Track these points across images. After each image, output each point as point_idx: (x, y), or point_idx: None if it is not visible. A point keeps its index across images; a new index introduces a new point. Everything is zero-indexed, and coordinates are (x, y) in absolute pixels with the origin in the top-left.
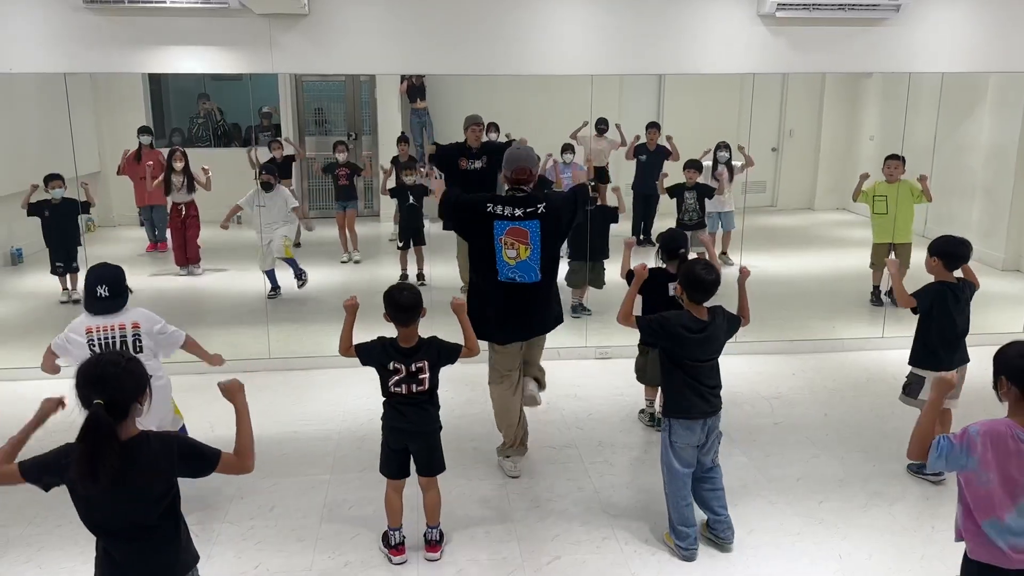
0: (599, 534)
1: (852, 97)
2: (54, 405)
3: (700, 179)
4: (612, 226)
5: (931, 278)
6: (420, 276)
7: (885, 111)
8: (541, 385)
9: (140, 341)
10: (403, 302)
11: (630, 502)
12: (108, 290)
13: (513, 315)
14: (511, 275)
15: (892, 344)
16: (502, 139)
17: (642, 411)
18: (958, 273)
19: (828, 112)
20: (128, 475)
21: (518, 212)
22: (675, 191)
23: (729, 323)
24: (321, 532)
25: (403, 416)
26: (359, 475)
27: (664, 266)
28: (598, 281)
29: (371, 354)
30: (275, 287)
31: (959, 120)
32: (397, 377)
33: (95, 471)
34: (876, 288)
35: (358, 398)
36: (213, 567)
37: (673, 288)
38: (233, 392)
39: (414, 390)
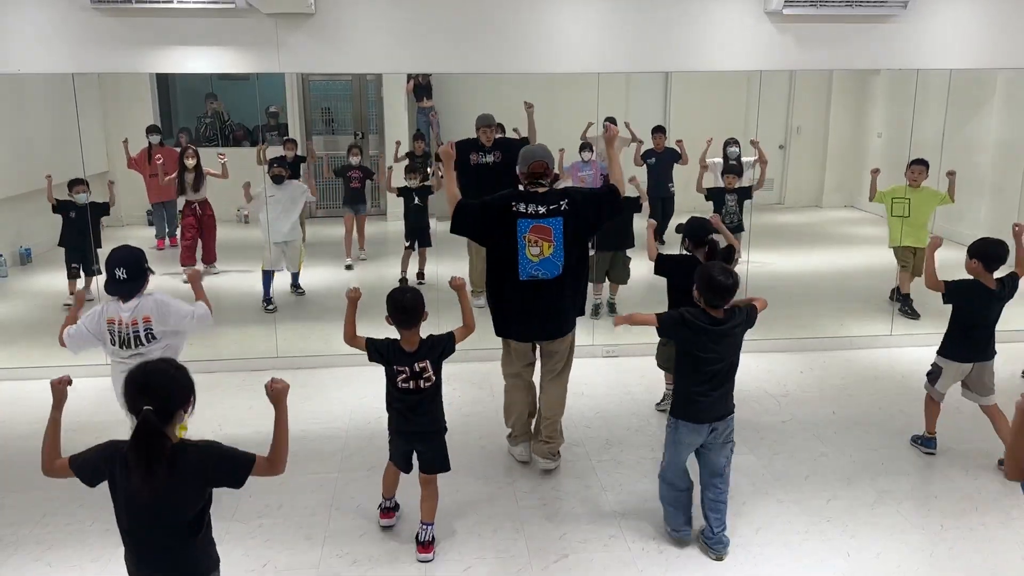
0: (606, 532)
1: (860, 94)
2: (62, 385)
3: (711, 176)
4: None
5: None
6: (420, 275)
7: (893, 108)
8: (555, 455)
9: (152, 333)
10: (405, 304)
11: (637, 500)
12: (126, 272)
13: (533, 314)
14: (533, 272)
15: (901, 342)
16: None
17: (660, 402)
18: (999, 274)
19: (836, 109)
20: (168, 480)
21: (541, 209)
22: (715, 194)
23: (748, 316)
24: (329, 530)
25: (408, 420)
26: (367, 473)
27: (689, 253)
28: (622, 275)
29: (379, 350)
30: (268, 298)
31: (967, 117)
32: (401, 377)
33: (151, 470)
34: (906, 295)
35: (366, 396)
36: (222, 565)
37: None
38: (279, 396)
39: (422, 385)
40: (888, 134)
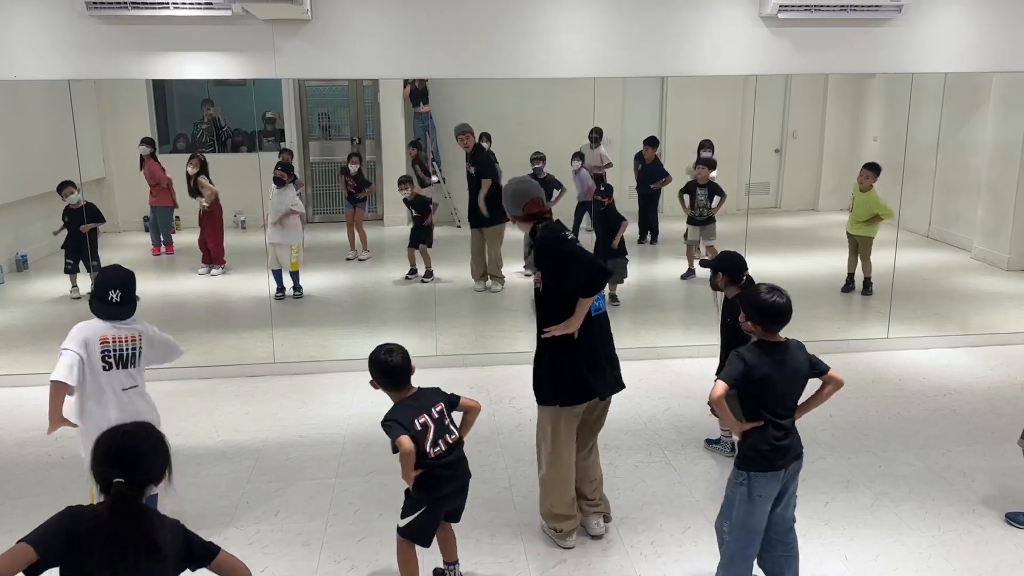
0: (604, 537)
1: (855, 98)
2: None
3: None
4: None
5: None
6: (429, 273)
7: (888, 111)
8: (607, 517)
9: (140, 351)
10: (393, 365)
11: (635, 505)
12: (120, 296)
13: (605, 358)
14: (598, 303)
15: (897, 345)
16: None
17: (712, 441)
18: None
19: (831, 113)
20: (141, 555)
21: (568, 233)
22: (687, 189)
23: (811, 358)
24: (327, 536)
25: (452, 478)
26: (364, 479)
27: (719, 291)
28: (621, 275)
29: (396, 424)
30: (281, 288)
31: (963, 120)
32: (430, 436)
33: (124, 554)
34: (852, 274)
35: (363, 402)
36: None
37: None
38: None
39: (450, 440)
40: (884, 137)
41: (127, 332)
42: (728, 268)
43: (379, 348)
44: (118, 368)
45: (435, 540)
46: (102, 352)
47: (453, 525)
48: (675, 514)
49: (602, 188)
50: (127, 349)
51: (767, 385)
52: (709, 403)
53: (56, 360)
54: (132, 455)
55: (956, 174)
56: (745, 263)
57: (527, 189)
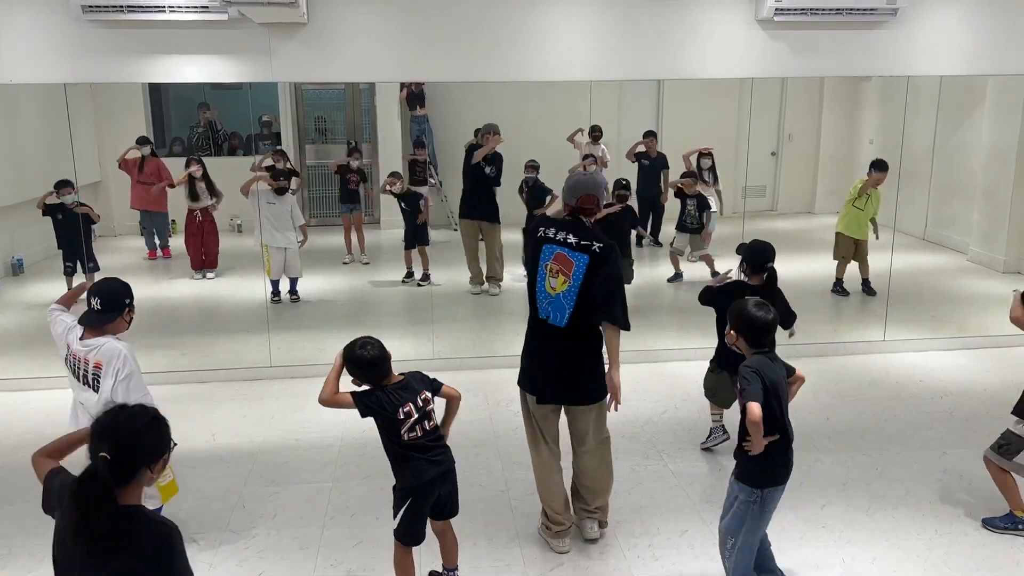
0: (601, 540)
1: (851, 101)
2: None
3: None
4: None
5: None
6: (426, 276)
7: (884, 114)
8: (602, 523)
9: (98, 381)
10: (370, 356)
11: (632, 508)
12: (101, 303)
13: (544, 364)
14: (546, 311)
15: (894, 348)
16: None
17: (712, 435)
18: None
19: (827, 116)
20: (109, 547)
21: (571, 239)
22: (679, 195)
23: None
24: (323, 540)
25: (434, 462)
26: (361, 483)
27: (745, 279)
28: (626, 276)
29: (376, 402)
30: (276, 292)
31: (958, 123)
32: (411, 421)
33: (84, 535)
34: (840, 280)
35: None
36: (216, 575)
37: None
38: None
39: (428, 427)
40: (880, 140)
41: (85, 354)
42: (749, 257)
43: (353, 343)
44: (74, 377)
45: (436, 543)
46: (64, 356)
47: (454, 530)
48: (672, 517)
49: (624, 182)
50: (80, 368)
51: (772, 394)
52: (746, 425)
53: (58, 363)
54: (120, 434)
55: (952, 177)
56: (766, 255)
57: (585, 184)
